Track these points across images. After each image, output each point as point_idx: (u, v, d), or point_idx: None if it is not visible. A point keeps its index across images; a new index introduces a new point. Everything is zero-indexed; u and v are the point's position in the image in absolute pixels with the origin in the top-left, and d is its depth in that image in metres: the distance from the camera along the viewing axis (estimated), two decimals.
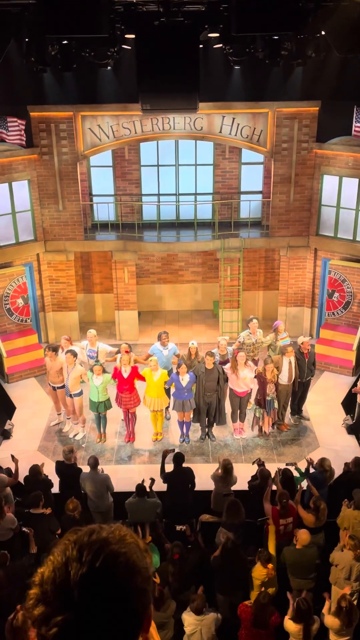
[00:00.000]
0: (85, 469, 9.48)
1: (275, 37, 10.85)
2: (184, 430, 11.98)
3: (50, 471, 9.79)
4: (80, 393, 11.78)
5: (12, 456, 9.62)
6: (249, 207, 15.69)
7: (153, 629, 1.40)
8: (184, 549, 7.69)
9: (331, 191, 14.46)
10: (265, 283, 16.66)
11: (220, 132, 14.38)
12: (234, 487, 9.44)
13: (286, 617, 6.76)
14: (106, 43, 11.04)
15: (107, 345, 12.61)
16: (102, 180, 15.95)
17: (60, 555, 1.28)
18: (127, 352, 11.59)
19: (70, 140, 14.25)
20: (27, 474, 9.39)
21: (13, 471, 9.51)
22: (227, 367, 11.55)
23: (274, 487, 8.92)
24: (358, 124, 13.50)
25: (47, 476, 9.53)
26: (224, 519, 8.36)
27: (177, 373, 11.28)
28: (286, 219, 14.96)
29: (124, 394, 11.47)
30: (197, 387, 11.41)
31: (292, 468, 9.47)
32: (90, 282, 16.65)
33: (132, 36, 11.68)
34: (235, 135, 14.41)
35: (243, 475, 9.79)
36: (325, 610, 6.94)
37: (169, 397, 11.85)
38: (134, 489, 9.03)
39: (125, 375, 11.34)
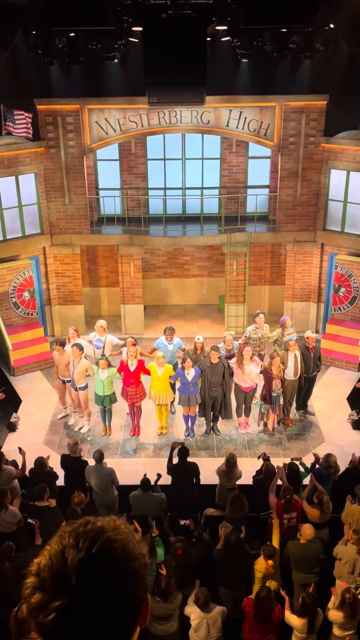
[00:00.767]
0: (91, 462, 9.51)
1: (283, 30, 10.78)
2: (189, 425, 11.99)
3: (55, 464, 9.82)
4: (86, 387, 11.81)
5: (20, 448, 9.65)
6: (256, 201, 15.63)
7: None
8: (187, 544, 7.71)
9: (338, 186, 14.39)
10: (271, 278, 16.62)
11: (228, 125, 14.32)
12: (239, 482, 9.45)
13: (286, 612, 6.77)
14: (113, 36, 11.02)
15: (114, 337, 12.65)
16: (109, 174, 15.93)
17: (57, 544, 1.29)
18: (133, 344, 11.59)
19: (77, 133, 14.23)
20: (33, 466, 9.43)
21: (19, 464, 9.54)
22: (232, 362, 11.54)
23: (279, 482, 8.92)
24: None
25: (52, 469, 9.57)
26: (227, 512, 8.39)
27: (183, 368, 11.29)
28: (293, 214, 14.91)
29: (130, 388, 11.49)
30: (202, 381, 11.41)
31: (297, 463, 9.47)
32: (96, 276, 16.66)
33: (140, 29, 11.64)
34: (243, 129, 14.35)
35: (248, 469, 9.80)
36: (330, 604, 6.96)
37: (174, 391, 11.87)
38: (138, 483, 9.06)
39: (132, 368, 11.35)
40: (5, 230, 14.27)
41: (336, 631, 6.83)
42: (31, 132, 13.93)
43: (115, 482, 9.39)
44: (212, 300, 16.93)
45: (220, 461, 9.78)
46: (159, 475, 9.20)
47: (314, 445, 11.65)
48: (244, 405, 12.01)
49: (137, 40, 12.35)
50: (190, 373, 11.23)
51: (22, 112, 13.69)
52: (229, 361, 11.59)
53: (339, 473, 9.57)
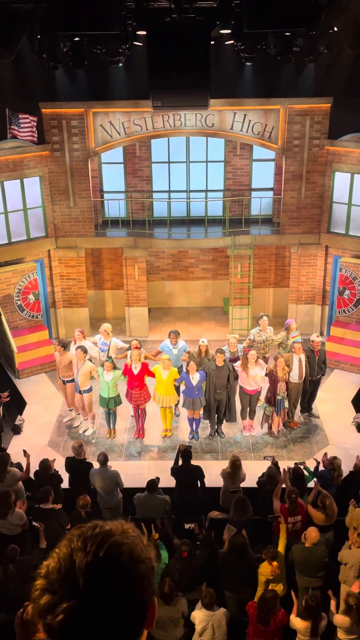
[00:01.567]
0: (95, 465, 9.53)
1: (287, 34, 10.78)
2: (194, 427, 12.00)
3: (60, 466, 9.84)
4: (90, 389, 11.83)
5: (25, 451, 9.67)
6: (260, 204, 15.65)
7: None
8: (192, 547, 7.71)
9: (343, 188, 14.38)
10: (275, 280, 16.62)
11: (232, 128, 14.35)
12: (243, 484, 9.45)
13: (292, 615, 6.76)
14: (117, 40, 11.04)
15: (119, 341, 12.69)
16: (113, 177, 15.97)
17: (65, 548, 1.32)
18: (137, 348, 11.61)
19: (82, 136, 14.28)
20: (37, 469, 9.45)
21: (24, 466, 9.56)
22: (237, 365, 11.54)
23: (284, 485, 8.92)
24: None
25: (57, 471, 9.58)
26: (231, 515, 8.38)
27: (187, 372, 11.29)
28: (297, 216, 14.91)
29: (134, 390, 11.51)
30: (207, 384, 11.41)
31: (301, 467, 9.46)
32: (100, 279, 16.70)
33: (144, 33, 11.66)
34: (247, 132, 14.37)
35: (252, 472, 9.80)
36: (332, 608, 6.94)
37: (179, 394, 11.87)
38: (143, 485, 9.07)
39: (136, 371, 11.37)
40: (11, 233, 14.33)
41: (341, 635, 6.81)
42: (36, 135, 13.99)
43: (120, 484, 9.40)
44: (217, 302, 16.94)
45: (224, 464, 9.78)
46: (158, 479, 9.20)
47: (318, 448, 11.64)
48: (248, 408, 12.01)
49: (141, 44, 12.39)
50: (195, 377, 11.23)
51: (27, 116, 13.75)
52: (234, 364, 11.59)
53: (344, 476, 9.55)
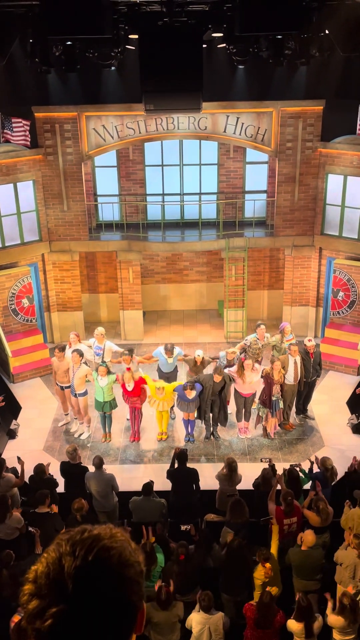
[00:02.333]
0: (91, 468, 9.50)
1: (279, 37, 10.83)
2: (189, 430, 11.99)
3: (55, 471, 9.81)
4: (85, 393, 11.81)
5: (19, 458, 9.63)
6: (254, 206, 15.68)
7: None
8: (189, 549, 7.70)
9: (336, 190, 14.43)
10: (270, 282, 16.64)
11: (225, 131, 14.38)
12: (239, 487, 9.44)
13: (290, 618, 6.76)
14: (110, 44, 11.07)
15: (113, 344, 12.66)
16: (107, 181, 15.97)
17: (54, 552, 1.31)
18: (128, 370, 11.52)
19: (75, 140, 14.28)
20: (32, 473, 9.42)
21: (19, 472, 9.52)
22: (232, 370, 11.54)
23: (279, 487, 8.92)
24: None
25: (52, 475, 9.55)
26: (228, 518, 8.38)
27: (184, 388, 11.19)
28: (291, 218, 14.94)
29: (131, 397, 11.57)
30: (203, 391, 11.39)
31: (296, 469, 9.46)
32: (95, 282, 16.68)
33: (136, 36, 11.68)
34: (240, 134, 14.40)
35: (248, 474, 9.79)
36: (329, 610, 6.94)
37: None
38: (139, 489, 9.05)
39: (129, 388, 11.41)
40: (4, 238, 14.30)
41: (336, 636, 6.81)
42: (29, 139, 13.98)
43: (115, 488, 9.38)
44: (211, 305, 16.95)
45: (220, 466, 9.78)
46: (152, 482, 9.17)
47: (314, 449, 11.65)
48: (243, 410, 12.01)
49: (133, 48, 12.41)
50: (192, 394, 11.19)
51: (20, 120, 13.74)
52: (229, 369, 11.59)
53: (340, 477, 9.56)
